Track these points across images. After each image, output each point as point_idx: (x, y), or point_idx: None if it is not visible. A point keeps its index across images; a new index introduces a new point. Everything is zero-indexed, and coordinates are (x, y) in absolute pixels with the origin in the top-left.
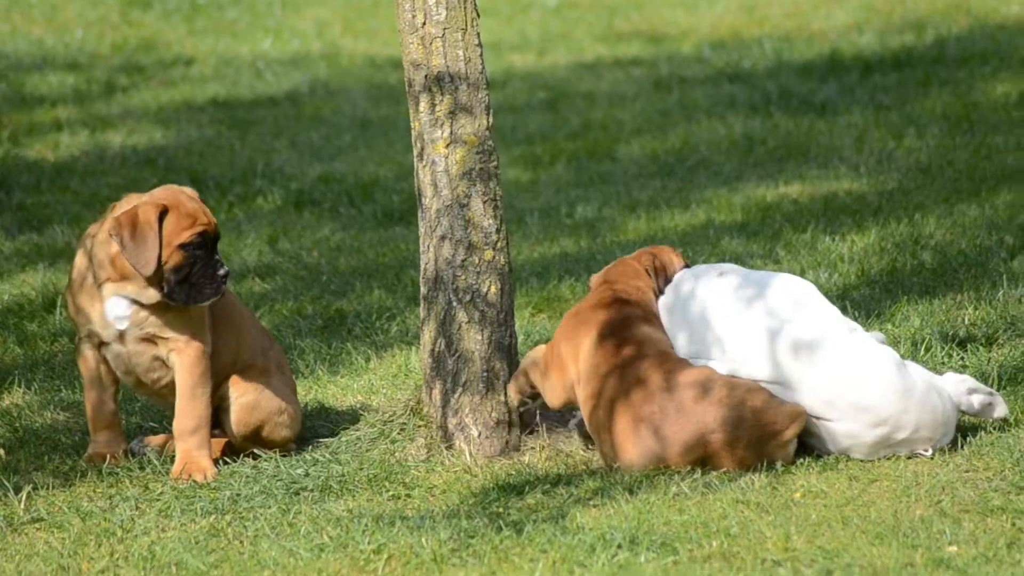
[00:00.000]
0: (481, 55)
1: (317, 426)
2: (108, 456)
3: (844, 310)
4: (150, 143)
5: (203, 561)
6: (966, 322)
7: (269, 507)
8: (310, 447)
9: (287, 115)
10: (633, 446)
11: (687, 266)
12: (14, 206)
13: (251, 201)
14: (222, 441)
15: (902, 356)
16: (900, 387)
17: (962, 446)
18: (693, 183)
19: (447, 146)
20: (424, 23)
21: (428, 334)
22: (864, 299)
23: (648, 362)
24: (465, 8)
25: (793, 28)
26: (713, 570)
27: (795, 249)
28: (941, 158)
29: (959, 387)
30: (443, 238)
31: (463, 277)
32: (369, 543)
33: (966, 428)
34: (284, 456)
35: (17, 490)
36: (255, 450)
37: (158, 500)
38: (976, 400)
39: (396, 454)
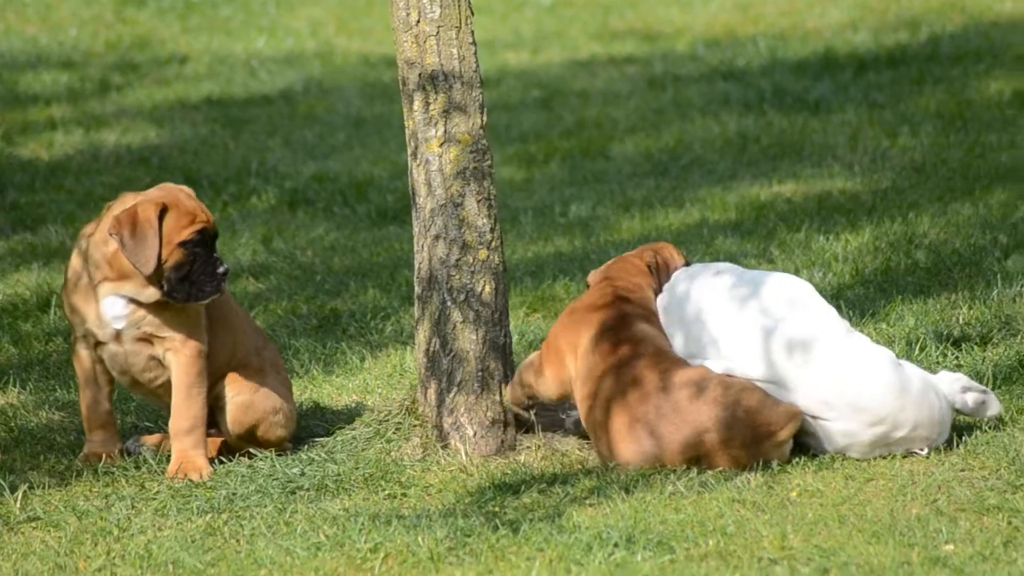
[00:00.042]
0: (475, 53)
1: (312, 425)
2: (104, 455)
3: (839, 309)
4: (144, 142)
5: (199, 560)
6: (960, 321)
7: (265, 506)
8: (306, 446)
9: (281, 114)
10: (629, 446)
11: (687, 264)
12: (8, 205)
13: (245, 200)
14: (218, 440)
15: (897, 356)
16: (897, 385)
17: (958, 445)
18: (687, 182)
19: (441, 145)
20: (418, 21)
21: (423, 334)
22: (858, 298)
23: (644, 362)
24: (459, 6)
25: (787, 26)
26: (710, 569)
27: (789, 248)
28: (935, 156)
29: (953, 386)
30: (437, 237)
31: (457, 276)
32: (366, 542)
33: (961, 427)
34: (280, 455)
35: (13, 489)
36: (251, 449)
37: (154, 499)
38: (970, 398)
39: (392, 453)
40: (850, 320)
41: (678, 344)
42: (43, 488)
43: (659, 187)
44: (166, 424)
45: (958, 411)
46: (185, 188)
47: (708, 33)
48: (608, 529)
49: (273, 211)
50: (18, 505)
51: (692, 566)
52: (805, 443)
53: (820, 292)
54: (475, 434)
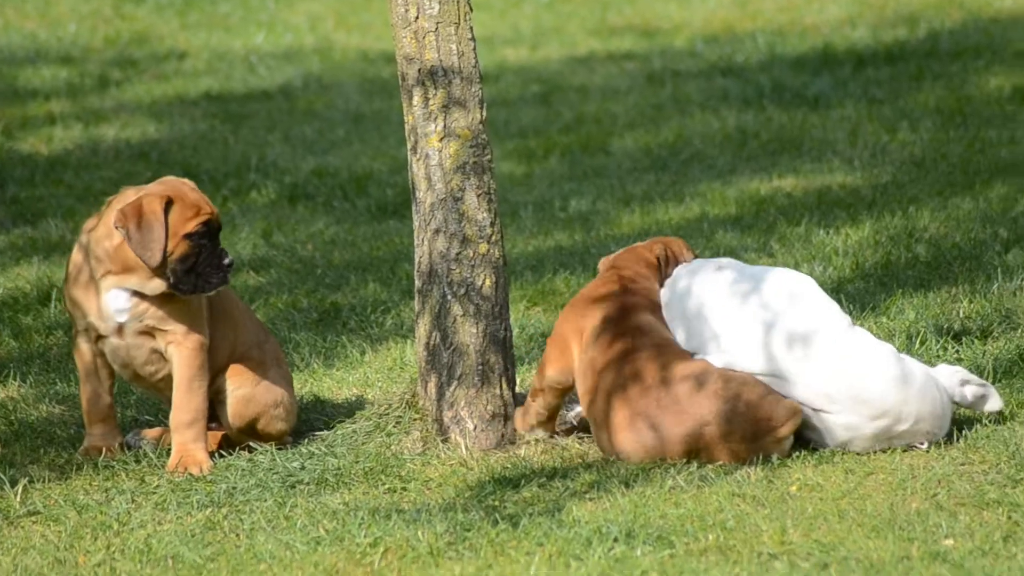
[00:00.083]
0: (474, 49)
1: (313, 419)
2: (104, 449)
3: (839, 303)
4: (143, 137)
5: (199, 554)
6: (961, 315)
7: (265, 500)
8: (306, 440)
9: (280, 109)
10: (629, 439)
11: (696, 259)
12: (8, 200)
13: (245, 195)
14: (218, 434)
15: (897, 349)
16: (900, 378)
17: (958, 439)
18: (687, 177)
19: (441, 140)
20: (417, 17)
21: (423, 327)
22: (859, 292)
23: (644, 355)
24: (458, 2)
25: (786, 22)
26: (709, 563)
27: (789, 243)
28: (935, 151)
29: (952, 379)
30: (437, 232)
31: (457, 271)
32: (365, 536)
33: (962, 421)
34: (280, 449)
35: (13, 483)
36: (251, 443)
37: (154, 493)
38: (969, 392)
39: (392, 447)
40: (851, 314)
41: (679, 339)
42: (43, 482)
43: (659, 182)
44: (166, 418)
45: (957, 404)
46: (187, 181)
47: (707, 29)
48: (608, 523)
49: (273, 206)
50: (18, 499)
51: (692, 561)
52: (806, 437)
53: (821, 286)
54: (475, 428)
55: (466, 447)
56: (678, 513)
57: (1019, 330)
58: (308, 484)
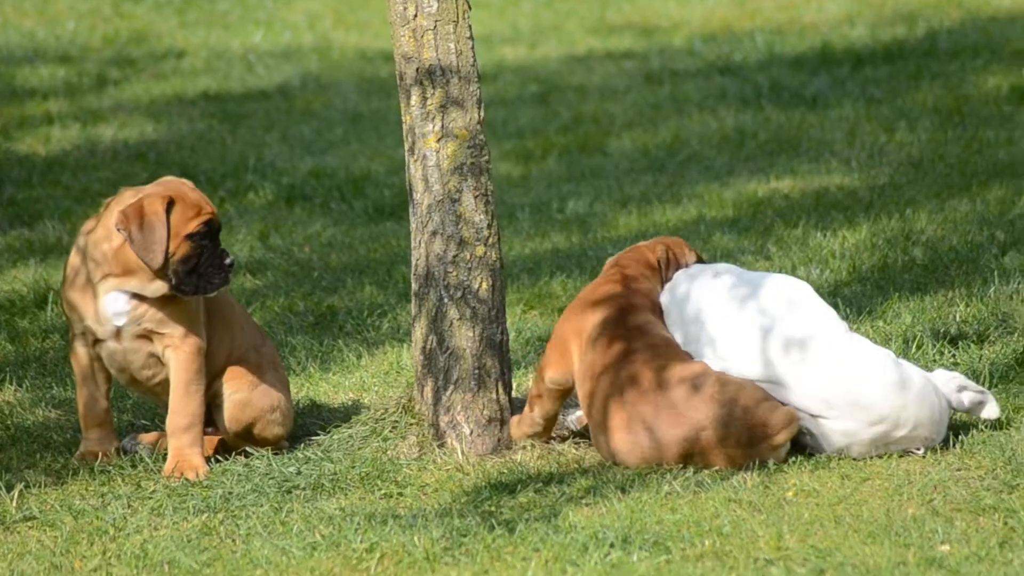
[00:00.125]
0: (472, 48)
1: (309, 424)
2: (100, 454)
3: (836, 307)
4: (141, 137)
5: (195, 559)
6: (957, 319)
7: (261, 505)
8: (302, 445)
9: (278, 109)
10: (627, 444)
11: (700, 260)
12: (5, 201)
13: (242, 196)
14: (215, 439)
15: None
16: (898, 384)
17: (954, 444)
18: (684, 178)
19: (438, 140)
20: (415, 16)
21: (419, 331)
22: (855, 295)
23: (643, 357)
24: (456, 0)
25: (784, 21)
26: (706, 569)
27: (786, 245)
28: (932, 152)
29: (949, 384)
30: (434, 234)
31: (454, 273)
32: (362, 541)
33: (958, 426)
34: (276, 454)
35: (9, 488)
36: (247, 448)
37: (150, 498)
38: (967, 398)
39: (388, 452)
40: (847, 317)
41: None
42: (39, 487)
43: (656, 183)
44: (163, 422)
45: (954, 409)
46: (186, 181)
47: (705, 28)
48: (604, 529)
49: (270, 207)
50: (14, 504)
51: (688, 566)
52: (803, 443)
53: (817, 289)
54: (471, 432)
55: (462, 452)
56: (674, 519)
57: (1016, 334)
58: (304, 489)
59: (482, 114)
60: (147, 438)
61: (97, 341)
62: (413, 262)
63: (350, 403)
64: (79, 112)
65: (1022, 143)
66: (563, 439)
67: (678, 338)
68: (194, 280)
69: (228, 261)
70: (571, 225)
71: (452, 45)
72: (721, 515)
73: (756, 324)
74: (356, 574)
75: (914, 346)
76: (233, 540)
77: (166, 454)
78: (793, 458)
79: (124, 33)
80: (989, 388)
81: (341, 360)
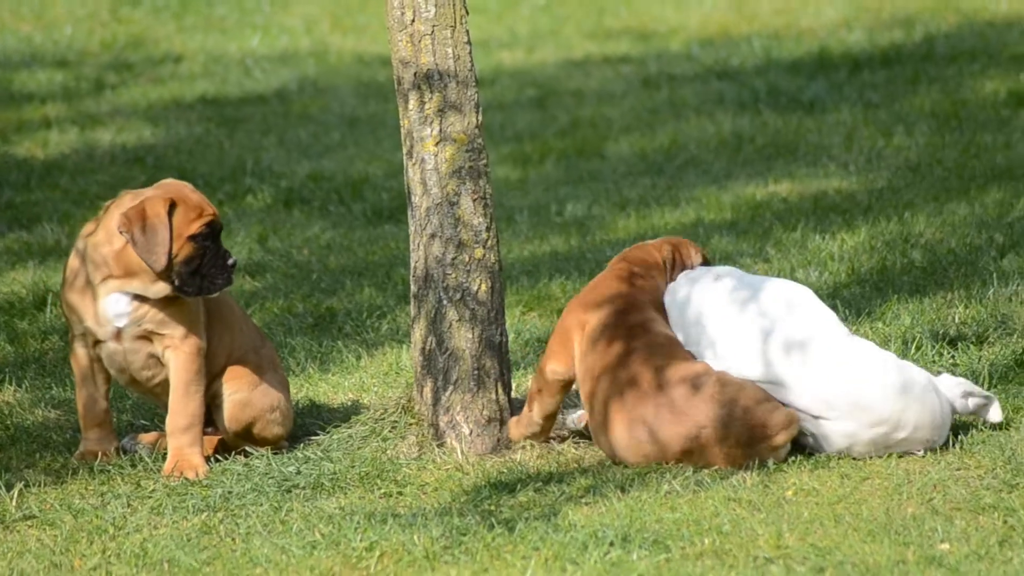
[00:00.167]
0: (470, 52)
1: (308, 424)
2: (100, 454)
3: (835, 309)
4: (139, 141)
5: (195, 558)
6: (956, 321)
7: (261, 505)
8: (302, 445)
9: (276, 113)
10: (628, 446)
11: (706, 261)
12: (4, 204)
13: (241, 199)
14: (214, 439)
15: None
16: (899, 386)
17: (953, 444)
18: (682, 181)
19: (436, 144)
20: (413, 20)
21: (418, 332)
22: (854, 298)
23: (644, 355)
24: (454, 5)
25: (782, 26)
26: (705, 568)
27: (785, 248)
28: (930, 156)
29: (955, 390)
30: (433, 236)
31: (453, 275)
32: (361, 540)
33: (957, 426)
34: (276, 454)
35: (9, 487)
36: (247, 448)
37: (150, 497)
38: (972, 403)
39: (388, 452)
40: (846, 319)
41: None
42: (39, 486)
43: (654, 186)
44: (162, 422)
45: (958, 413)
46: (187, 184)
47: (703, 32)
48: (604, 528)
49: (269, 210)
50: (14, 503)
51: (688, 565)
52: (804, 443)
53: (816, 292)
54: (471, 432)
55: (462, 452)
56: (674, 517)
57: (1015, 335)
58: (304, 488)
59: (480, 118)
60: (147, 438)
61: (97, 342)
62: (412, 264)
63: (349, 403)
64: (77, 116)
65: (1019, 147)
66: (562, 439)
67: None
68: (197, 281)
69: (231, 261)
70: (569, 228)
71: (450, 50)
72: (721, 514)
73: (757, 326)
74: (356, 573)
75: (913, 347)
76: (233, 539)
77: (166, 454)
78: (793, 457)
79: (122, 38)
80: (989, 389)
81: (340, 361)
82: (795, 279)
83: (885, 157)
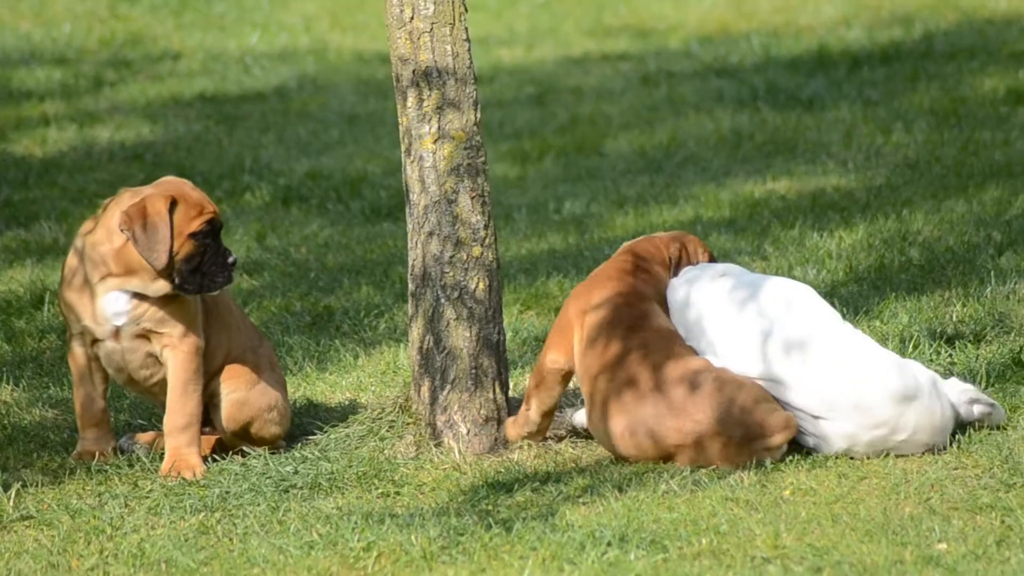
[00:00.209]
0: (469, 50)
1: (306, 423)
2: (97, 453)
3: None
4: (138, 138)
5: (192, 559)
6: (954, 319)
7: (258, 505)
8: (299, 444)
9: (275, 110)
10: (626, 439)
11: (712, 259)
12: (1, 202)
13: (239, 197)
14: (212, 438)
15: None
16: (900, 388)
17: (951, 444)
18: (681, 179)
19: (435, 141)
20: (412, 18)
21: (416, 331)
22: (852, 296)
23: (644, 349)
24: (453, 3)
25: (781, 23)
26: (703, 568)
27: (783, 245)
28: (929, 154)
29: (961, 396)
30: (431, 234)
31: (451, 273)
32: (359, 540)
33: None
34: (273, 453)
35: (6, 488)
36: (244, 447)
37: (147, 498)
38: (977, 410)
39: (385, 451)
40: (845, 317)
41: None
42: (36, 486)
43: (653, 184)
44: (160, 422)
45: (963, 420)
46: (187, 181)
47: (702, 30)
48: (601, 528)
49: (267, 208)
50: (11, 503)
51: (685, 565)
52: (804, 443)
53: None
54: (468, 432)
55: (459, 451)
56: (671, 517)
57: (1012, 334)
58: (301, 488)
59: (478, 115)
60: (144, 438)
61: (95, 341)
62: (410, 262)
63: (347, 403)
64: (75, 114)
65: (1018, 144)
66: (560, 438)
67: None
68: (197, 279)
69: (231, 260)
70: (568, 226)
71: (448, 47)
72: (718, 514)
73: (756, 325)
74: (353, 573)
75: (911, 346)
76: (230, 539)
77: (163, 453)
78: (790, 457)
79: (120, 35)
80: (985, 388)
81: (338, 360)
82: (793, 277)
83: (884, 155)
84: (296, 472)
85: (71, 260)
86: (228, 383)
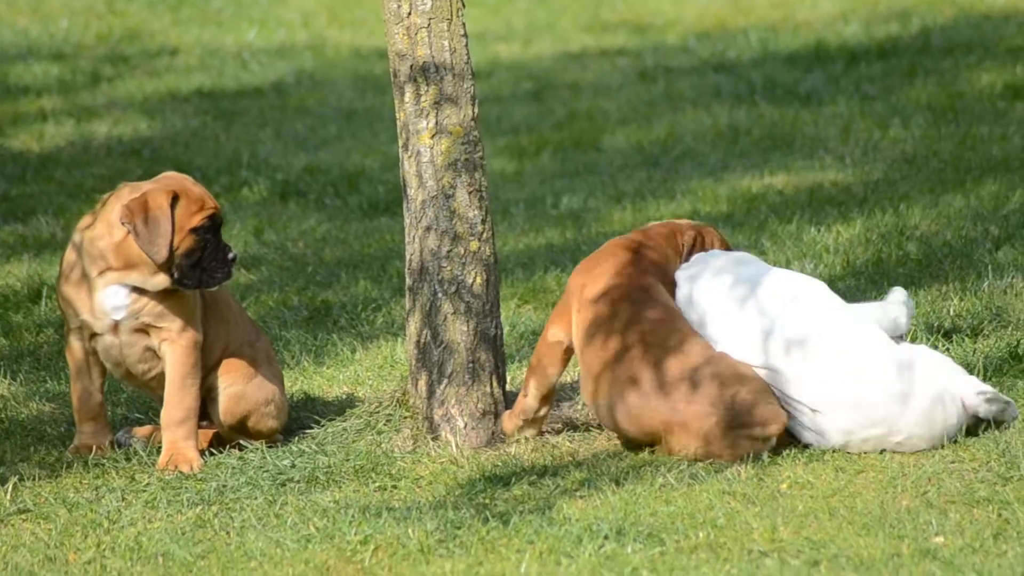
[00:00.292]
0: (466, 45)
1: (303, 417)
2: (94, 447)
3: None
4: (135, 134)
5: (189, 552)
6: (951, 313)
7: (255, 498)
8: (296, 438)
9: (272, 106)
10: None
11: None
12: None
13: (236, 192)
14: (209, 432)
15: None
16: (900, 391)
17: None
18: (678, 174)
19: (432, 137)
20: (409, 13)
21: (413, 325)
22: (849, 290)
23: (639, 332)
24: None
25: (778, 18)
26: (700, 561)
27: (781, 240)
28: (926, 148)
29: (977, 397)
30: (428, 229)
31: (448, 268)
32: (356, 534)
33: None
34: (270, 447)
35: (3, 481)
36: (242, 441)
37: (144, 491)
38: (995, 408)
39: (382, 445)
40: None
41: None
42: (33, 480)
43: (650, 179)
44: (157, 416)
45: (980, 418)
46: (188, 177)
47: (699, 25)
48: (598, 521)
49: (264, 203)
50: (8, 497)
51: (682, 558)
52: (800, 437)
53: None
54: (465, 426)
55: (456, 445)
56: (668, 511)
57: (1009, 328)
58: (298, 482)
59: (476, 111)
60: (141, 431)
61: (93, 335)
62: (407, 257)
63: (344, 397)
64: (73, 109)
65: (1015, 139)
66: (557, 432)
67: None
68: (197, 274)
69: (231, 255)
70: (565, 220)
71: (446, 42)
72: (715, 507)
73: (759, 319)
74: (350, 566)
75: (908, 340)
76: (227, 533)
77: (160, 447)
78: (787, 451)
79: (118, 30)
80: (983, 381)
81: (335, 354)
82: (790, 271)
83: (881, 149)
84: (293, 466)
85: (69, 255)
86: (226, 377)
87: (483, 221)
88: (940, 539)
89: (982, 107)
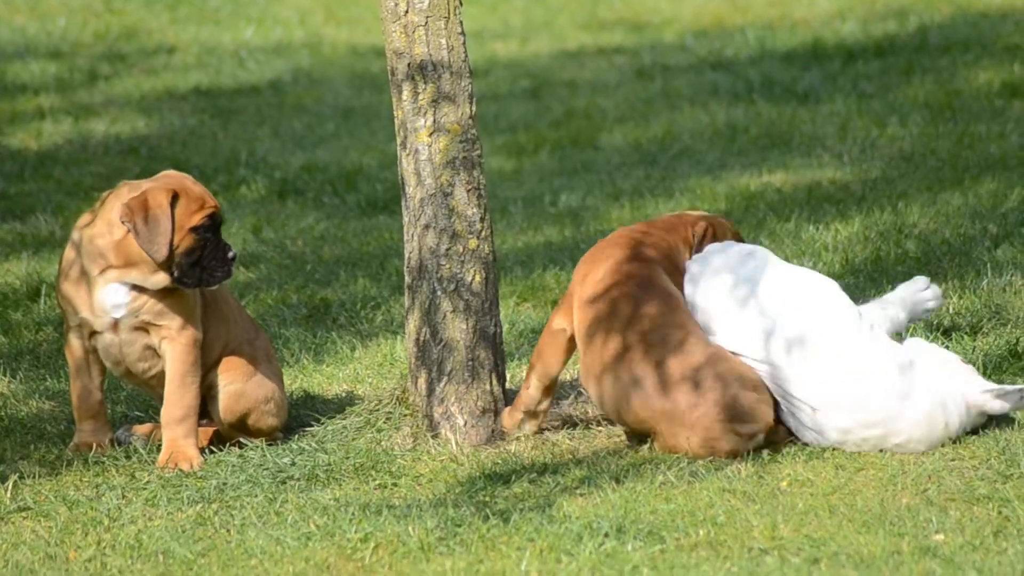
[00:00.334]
0: (464, 43)
1: (303, 415)
2: (94, 445)
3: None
4: (133, 132)
5: (190, 550)
6: (951, 311)
7: (256, 496)
8: (296, 436)
9: (270, 104)
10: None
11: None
12: None
13: (234, 190)
14: (209, 430)
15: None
16: (900, 394)
17: None
18: (676, 172)
19: (430, 135)
20: (407, 11)
21: (413, 323)
22: (848, 288)
23: (637, 324)
24: None
25: (776, 16)
26: (700, 559)
27: (779, 238)
28: (924, 147)
29: (983, 395)
30: (427, 227)
31: (447, 266)
32: (356, 532)
33: None
34: (270, 445)
35: (3, 479)
36: (242, 439)
37: (145, 489)
38: (1009, 402)
39: (382, 443)
40: None
41: None
42: (33, 478)
43: (648, 177)
44: (157, 414)
45: (994, 414)
46: (188, 175)
47: (697, 23)
48: (598, 519)
49: (263, 201)
50: (8, 495)
51: (682, 556)
52: (800, 436)
53: None
54: (465, 423)
55: (456, 443)
56: (668, 508)
57: (1008, 326)
58: (298, 480)
59: (474, 109)
60: (141, 429)
61: (93, 333)
62: (406, 255)
63: (344, 395)
64: (71, 107)
65: (1013, 137)
66: (556, 429)
67: None
68: (197, 273)
69: (231, 254)
70: (564, 218)
71: (443, 41)
72: (715, 505)
73: (762, 317)
74: (350, 564)
75: (907, 336)
76: (228, 530)
77: (160, 445)
78: (787, 448)
79: (115, 29)
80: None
81: (335, 352)
82: None
83: (879, 147)
84: (293, 463)
85: (68, 253)
86: (225, 375)
87: (482, 219)
88: (940, 537)
89: (980, 105)
